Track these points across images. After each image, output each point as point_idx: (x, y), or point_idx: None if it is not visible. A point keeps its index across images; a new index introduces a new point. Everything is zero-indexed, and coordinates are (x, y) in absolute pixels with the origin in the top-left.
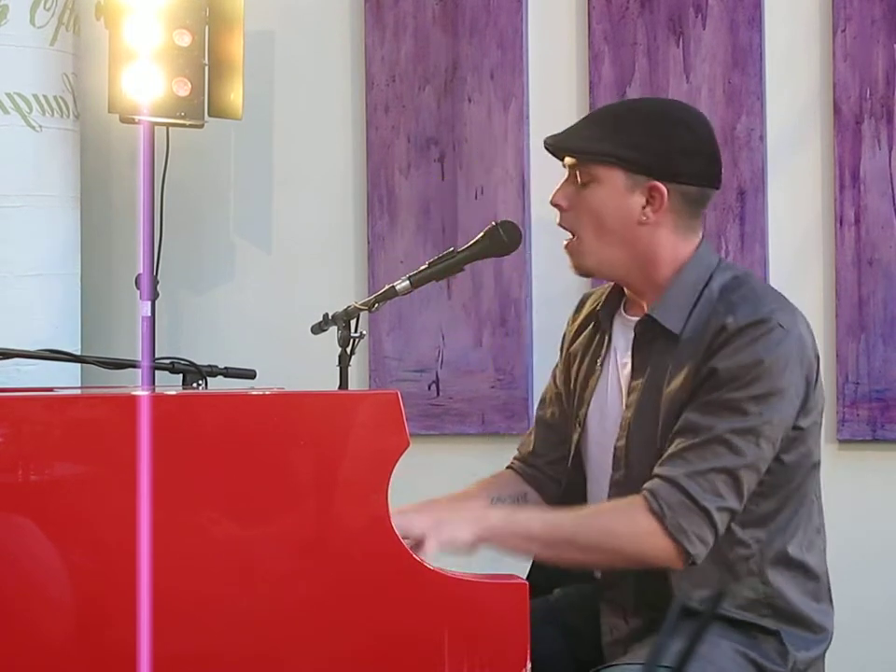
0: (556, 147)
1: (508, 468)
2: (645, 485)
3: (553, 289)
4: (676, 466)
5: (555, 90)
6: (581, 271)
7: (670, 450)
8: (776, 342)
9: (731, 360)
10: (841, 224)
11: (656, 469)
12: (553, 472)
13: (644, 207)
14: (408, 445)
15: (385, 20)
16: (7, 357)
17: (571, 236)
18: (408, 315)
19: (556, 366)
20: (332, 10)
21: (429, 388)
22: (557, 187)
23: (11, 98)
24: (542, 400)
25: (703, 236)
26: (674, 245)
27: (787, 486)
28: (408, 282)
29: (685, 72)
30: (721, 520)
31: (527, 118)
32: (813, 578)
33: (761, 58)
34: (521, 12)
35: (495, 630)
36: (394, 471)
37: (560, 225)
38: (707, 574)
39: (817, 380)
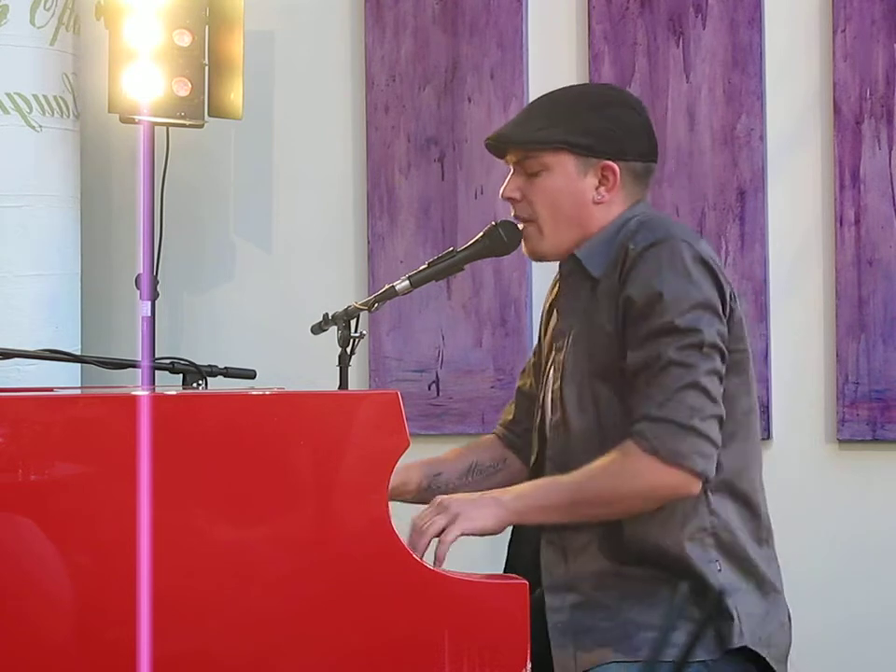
0: (502, 142)
1: (493, 432)
2: (630, 430)
3: None
4: (646, 404)
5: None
6: (536, 256)
7: (635, 396)
8: (679, 255)
9: (641, 285)
10: (841, 224)
11: (632, 417)
12: (530, 439)
13: (598, 187)
14: (408, 445)
15: (384, 19)
16: (7, 357)
17: (528, 225)
18: (408, 315)
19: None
20: (332, 10)
21: (429, 388)
22: (505, 182)
23: (11, 98)
24: (523, 370)
25: (643, 198)
26: (617, 210)
27: (737, 414)
28: (408, 282)
29: (685, 72)
30: (710, 429)
31: None
32: (756, 516)
33: (761, 58)
34: (521, 12)
35: (495, 630)
36: (394, 472)
37: (516, 217)
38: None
39: (733, 301)
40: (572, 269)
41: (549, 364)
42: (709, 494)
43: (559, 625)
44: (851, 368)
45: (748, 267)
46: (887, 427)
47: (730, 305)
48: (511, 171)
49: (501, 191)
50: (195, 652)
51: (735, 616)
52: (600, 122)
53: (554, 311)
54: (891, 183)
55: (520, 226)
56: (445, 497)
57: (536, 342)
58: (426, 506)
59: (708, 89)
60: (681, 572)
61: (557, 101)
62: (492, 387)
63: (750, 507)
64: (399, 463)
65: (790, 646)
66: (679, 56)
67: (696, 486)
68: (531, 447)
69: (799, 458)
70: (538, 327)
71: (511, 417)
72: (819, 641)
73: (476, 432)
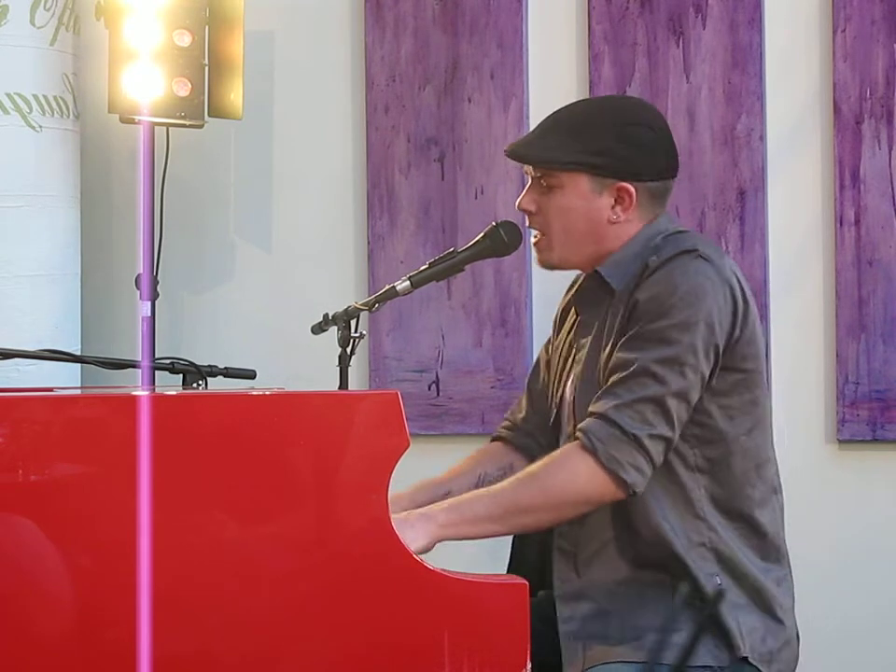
0: (518, 157)
1: (495, 438)
2: (578, 426)
3: (553, 289)
4: (605, 401)
5: (555, 90)
6: (547, 265)
7: (604, 387)
8: (694, 270)
9: (650, 291)
10: (841, 224)
11: (589, 409)
12: (543, 437)
13: (613, 207)
14: (408, 445)
15: (385, 19)
16: (7, 357)
17: (541, 237)
18: (408, 315)
19: (549, 337)
20: (332, 10)
21: (429, 388)
22: (522, 193)
23: (11, 98)
24: (534, 367)
25: (663, 213)
26: (635, 229)
27: (732, 434)
28: (408, 282)
29: (685, 72)
30: (653, 447)
31: (527, 118)
32: (760, 535)
33: (761, 58)
34: (521, 12)
35: (495, 630)
36: (394, 471)
37: (530, 227)
38: (663, 514)
39: (747, 317)
40: (594, 285)
41: (564, 370)
42: (705, 509)
43: (571, 634)
44: (851, 368)
45: (748, 267)
46: (887, 427)
47: (743, 321)
48: (529, 181)
49: (518, 202)
50: (195, 652)
51: (736, 628)
52: (617, 143)
53: (570, 314)
54: (891, 183)
55: (533, 238)
56: None
57: (546, 340)
58: None
59: (708, 89)
60: (687, 581)
61: (576, 117)
62: (492, 387)
63: (751, 526)
64: (410, 488)
65: (796, 662)
66: (678, 56)
67: (621, 496)
68: (547, 444)
69: (799, 458)
70: (538, 327)
71: (522, 415)
72: (820, 641)
73: (476, 432)
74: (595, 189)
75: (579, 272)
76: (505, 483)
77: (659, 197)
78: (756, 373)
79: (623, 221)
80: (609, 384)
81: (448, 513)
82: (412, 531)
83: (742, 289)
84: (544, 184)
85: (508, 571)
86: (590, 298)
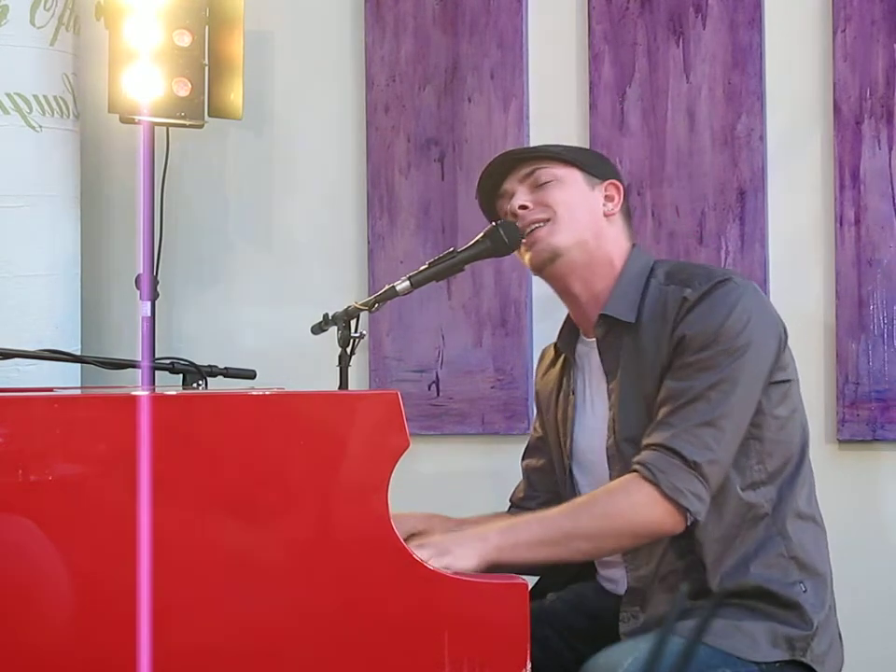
0: (514, 153)
1: (508, 512)
2: (635, 458)
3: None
4: (662, 432)
5: (555, 90)
6: (551, 251)
7: (656, 420)
8: (736, 297)
9: (696, 325)
10: (841, 224)
11: (644, 441)
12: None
13: (605, 203)
14: (408, 445)
15: (385, 19)
16: (7, 357)
17: (543, 223)
18: (408, 315)
19: (536, 417)
20: (332, 10)
21: (429, 388)
22: (512, 200)
23: (11, 98)
24: (528, 448)
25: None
26: (623, 247)
27: (788, 442)
28: (408, 282)
29: (685, 72)
30: (711, 473)
31: (527, 118)
32: (822, 527)
33: (761, 58)
34: (521, 12)
35: (495, 630)
36: (394, 471)
37: (525, 223)
38: (728, 545)
39: (786, 337)
40: (606, 329)
41: (567, 421)
42: (778, 521)
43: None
44: (851, 368)
45: (748, 267)
46: (887, 427)
47: (784, 343)
48: (515, 192)
49: (509, 206)
50: (195, 652)
51: (814, 631)
52: (592, 156)
53: (553, 373)
54: (891, 183)
55: (524, 240)
56: (425, 537)
57: (533, 421)
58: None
59: (708, 89)
60: (766, 601)
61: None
62: (492, 388)
63: (816, 522)
64: (410, 475)
65: (842, 665)
66: (678, 56)
67: (682, 527)
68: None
69: None
70: (538, 327)
71: (522, 495)
72: None
73: (476, 432)
74: (587, 183)
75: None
76: (560, 508)
77: (629, 220)
78: (795, 382)
79: (613, 218)
80: (661, 416)
81: (503, 535)
82: (463, 549)
83: (776, 313)
84: (538, 180)
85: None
86: (608, 340)
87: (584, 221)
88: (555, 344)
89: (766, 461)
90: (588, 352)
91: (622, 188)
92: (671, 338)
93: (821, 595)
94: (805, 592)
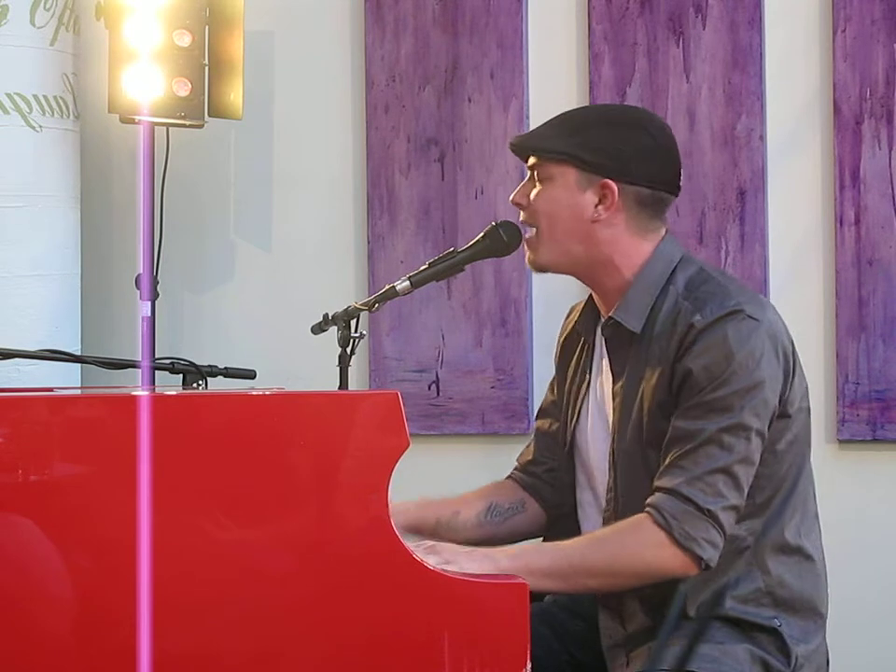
0: (518, 145)
1: (508, 477)
2: (647, 501)
3: (553, 289)
4: (674, 476)
5: (555, 90)
6: (536, 266)
7: (666, 461)
8: (746, 334)
9: (704, 359)
10: (841, 224)
11: (656, 483)
12: (551, 479)
13: (597, 205)
14: (408, 445)
15: (384, 19)
16: (7, 357)
17: (530, 234)
18: (408, 315)
19: (553, 377)
20: (332, 10)
21: (429, 388)
22: (518, 187)
23: (11, 98)
24: (541, 410)
25: (666, 234)
26: (629, 245)
27: (779, 473)
28: (408, 282)
29: (685, 72)
30: (726, 520)
31: (527, 118)
32: (811, 562)
33: (761, 58)
34: (521, 12)
35: (495, 630)
36: (394, 471)
37: (522, 222)
38: (707, 576)
39: (795, 365)
40: (614, 331)
41: (579, 399)
42: (758, 554)
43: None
44: (851, 368)
45: (748, 267)
46: (887, 426)
47: (792, 377)
48: (528, 176)
49: (511, 196)
50: (195, 652)
51: (794, 666)
52: (607, 139)
53: (573, 343)
54: (891, 183)
55: (526, 235)
56: (437, 542)
57: (550, 382)
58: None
59: (708, 89)
60: (743, 626)
61: (580, 116)
62: (492, 387)
63: (806, 556)
64: (417, 500)
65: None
66: (678, 56)
67: (693, 572)
68: (555, 485)
69: None
70: (538, 327)
71: (530, 458)
72: None
73: (476, 432)
74: (581, 184)
75: (576, 300)
76: (570, 542)
77: (649, 207)
78: (803, 412)
79: (604, 221)
80: (674, 457)
81: (511, 560)
82: (471, 563)
83: (787, 334)
84: (537, 176)
85: None
86: (616, 342)
87: (567, 230)
88: (577, 319)
89: (756, 495)
90: (603, 340)
91: (615, 188)
92: (676, 367)
93: (805, 630)
94: (780, 626)
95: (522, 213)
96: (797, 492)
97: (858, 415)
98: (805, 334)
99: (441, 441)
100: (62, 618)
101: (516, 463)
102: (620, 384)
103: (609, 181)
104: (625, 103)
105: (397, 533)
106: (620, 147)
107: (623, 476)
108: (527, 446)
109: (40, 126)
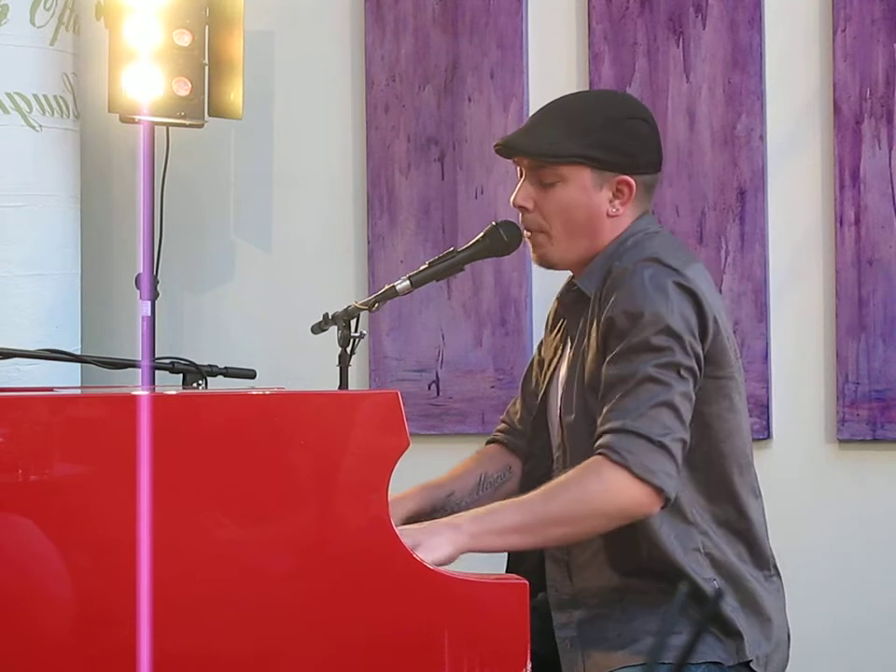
0: (516, 150)
1: (491, 440)
2: (597, 444)
3: (554, 289)
4: (619, 416)
5: (555, 89)
6: (547, 263)
7: (606, 407)
8: (662, 280)
9: (622, 304)
10: (841, 224)
11: (600, 429)
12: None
13: (612, 201)
14: (408, 445)
15: (384, 19)
16: (7, 357)
17: (537, 234)
18: (408, 314)
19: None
20: (332, 10)
21: (429, 388)
22: (517, 188)
23: (11, 98)
24: (527, 368)
25: (647, 211)
26: (625, 226)
27: (710, 441)
28: (408, 282)
29: (685, 72)
30: (677, 451)
31: (527, 117)
32: (748, 540)
33: (761, 58)
34: (521, 12)
35: (495, 630)
36: (394, 471)
37: (524, 226)
38: (656, 521)
39: (717, 325)
40: (575, 298)
41: (550, 369)
42: (696, 514)
43: (567, 641)
44: (851, 368)
45: (748, 267)
46: (887, 426)
47: (712, 331)
48: (523, 176)
49: (512, 199)
50: (196, 652)
51: (742, 632)
52: (617, 137)
53: (559, 318)
54: (891, 183)
55: (526, 234)
56: (402, 528)
57: (539, 341)
58: None
59: (708, 89)
60: (686, 583)
61: (574, 111)
62: (492, 387)
63: (737, 530)
64: (412, 489)
65: (786, 663)
66: (678, 56)
67: (658, 506)
68: (539, 458)
69: (799, 458)
70: (538, 326)
71: (517, 417)
72: (818, 641)
73: (476, 432)
74: (596, 183)
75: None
76: (532, 494)
77: (650, 190)
78: (731, 380)
79: (619, 214)
80: (614, 400)
81: (475, 523)
82: (436, 539)
83: (706, 296)
84: (543, 179)
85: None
86: (572, 309)
87: (582, 227)
88: (558, 299)
89: (688, 455)
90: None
91: (633, 182)
92: (601, 318)
93: (738, 601)
94: (717, 588)
95: (525, 216)
96: (734, 470)
97: (858, 415)
98: (805, 334)
99: (441, 440)
100: (62, 618)
101: (503, 423)
102: (572, 348)
103: (626, 177)
104: None
105: (397, 533)
106: (629, 141)
107: (570, 432)
108: (512, 403)
109: (40, 126)
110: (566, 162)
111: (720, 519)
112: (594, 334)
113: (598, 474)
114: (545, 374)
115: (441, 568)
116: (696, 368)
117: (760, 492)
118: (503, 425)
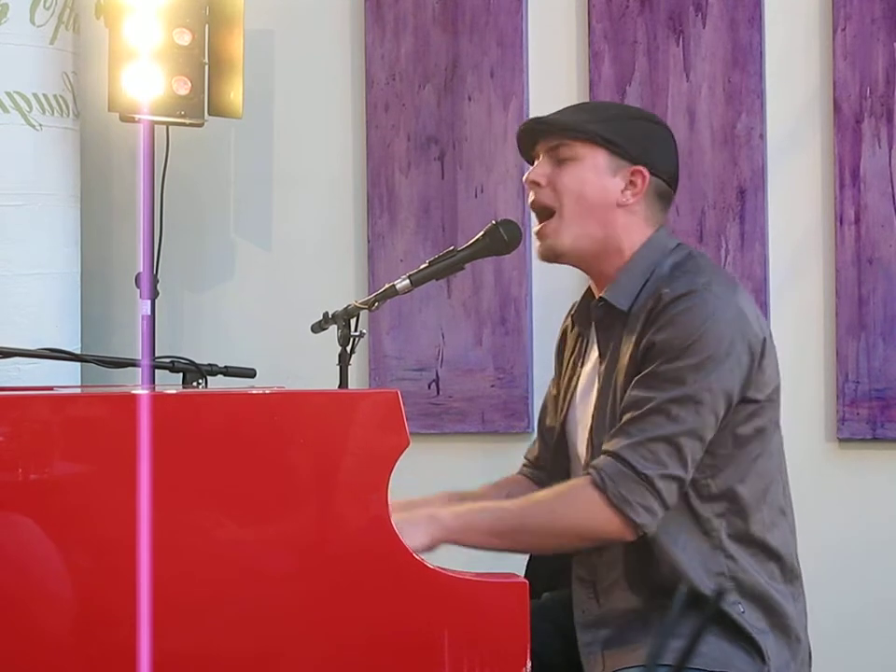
0: (542, 124)
1: (519, 473)
2: (591, 462)
3: (554, 288)
4: (619, 440)
5: (555, 88)
6: (553, 251)
7: (615, 428)
8: (710, 310)
9: (666, 332)
10: (841, 223)
11: (603, 446)
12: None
13: (623, 190)
14: (408, 444)
15: (384, 18)
16: (7, 357)
17: (546, 219)
18: (408, 313)
19: (553, 376)
20: (332, 9)
21: (429, 387)
22: (531, 168)
23: (11, 97)
24: (543, 407)
25: (662, 225)
26: (640, 233)
27: (743, 461)
28: (408, 281)
29: (685, 71)
30: (665, 488)
31: (527, 116)
32: (774, 558)
33: (761, 57)
34: (521, 11)
35: (495, 630)
36: (394, 470)
37: (534, 205)
38: (679, 546)
39: (765, 353)
40: (604, 312)
41: (569, 390)
42: (722, 538)
43: (591, 657)
44: (851, 367)
45: (748, 266)
46: (887, 426)
47: (758, 362)
48: (540, 159)
49: (526, 176)
50: (196, 652)
51: (766, 658)
52: (636, 130)
53: (569, 338)
54: (891, 182)
55: (535, 227)
56: None
57: (551, 380)
58: None
59: (708, 87)
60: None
61: (599, 105)
62: (492, 386)
63: (765, 550)
64: (435, 496)
65: None
66: (679, 55)
67: (630, 536)
68: (559, 475)
69: (799, 458)
70: (538, 325)
71: (536, 454)
72: (818, 641)
73: (476, 431)
74: (610, 167)
75: (575, 298)
76: (514, 502)
77: (663, 201)
78: (768, 402)
79: (629, 206)
80: (622, 422)
81: (455, 519)
82: (415, 529)
83: (760, 326)
84: (559, 155)
85: (526, 570)
86: (603, 321)
87: (592, 211)
88: (573, 313)
89: (716, 475)
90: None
91: (647, 175)
92: (642, 340)
93: (767, 623)
94: (742, 613)
95: (536, 193)
96: (764, 486)
97: (858, 414)
98: (805, 333)
99: (440, 439)
100: (62, 617)
101: (524, 459)
102: (604, 364)
103: (641, 168)
104: (625, 101)
105: (397, 532)
106: (649, 137)
107: (598, 453)
108: (534, 442)
109: (40, 125)
110: (583, 139)
111: (746, 540)
112: (628, 352)
113: (577, 494)
114: (563, 395)
115: (441, 568)
116: (721, 407)
117: (789, 508)
118: (525, 461)
